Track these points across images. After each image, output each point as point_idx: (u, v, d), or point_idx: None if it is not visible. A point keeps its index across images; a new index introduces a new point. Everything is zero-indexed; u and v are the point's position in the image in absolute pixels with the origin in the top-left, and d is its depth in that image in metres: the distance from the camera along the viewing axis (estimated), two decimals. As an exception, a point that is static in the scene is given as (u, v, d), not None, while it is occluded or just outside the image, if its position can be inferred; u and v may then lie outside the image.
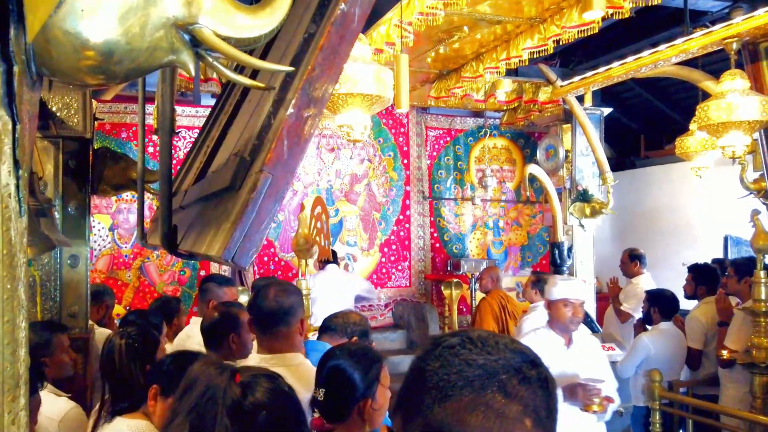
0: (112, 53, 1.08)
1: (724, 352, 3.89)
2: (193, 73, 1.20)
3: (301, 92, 1.16)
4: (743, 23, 3.74)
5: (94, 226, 5.80)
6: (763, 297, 3.62)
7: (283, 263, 6.50)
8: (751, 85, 3.82)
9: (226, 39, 1.14)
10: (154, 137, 5.42)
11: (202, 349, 2.91)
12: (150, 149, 5.71)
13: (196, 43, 1.16)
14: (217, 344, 2.50)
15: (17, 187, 1.06)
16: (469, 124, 7.35)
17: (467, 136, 7.38)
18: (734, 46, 3.91)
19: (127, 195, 5.66)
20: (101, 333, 3.23)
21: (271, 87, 1.29)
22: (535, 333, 3.33)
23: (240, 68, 2.18)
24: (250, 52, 1.90)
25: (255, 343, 2.29)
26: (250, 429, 1.02)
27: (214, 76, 5.49)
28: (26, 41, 1.02)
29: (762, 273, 3.63)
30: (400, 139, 7.10)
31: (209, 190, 1.58)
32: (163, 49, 1.13)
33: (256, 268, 6.26)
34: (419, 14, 3.85)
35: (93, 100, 3.18)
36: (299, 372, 2.03)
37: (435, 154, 7.27)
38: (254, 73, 1.83)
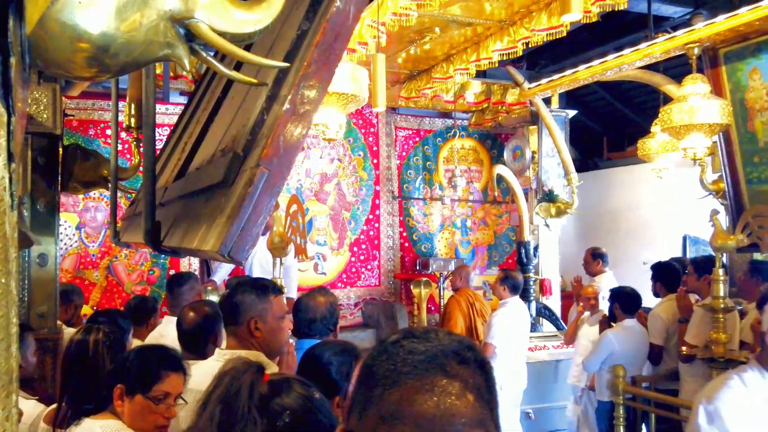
0: (108, 46, 1.08)
1: (684, 348, 4.02)
2: (188, 68, 1.20)
3: (297, 88, 1.18)
4: (704, 29, 3.89)
5: (60, 225, 5.65)
6: (721, 294, 3.75)
7: (254, 262, 6.45)
8: (711, 89, 3.98)
9: (221, 34, 1.15)
10: (123, 134, 5.32)
11: (177, 348, 2.88)
12: (119, 146, 5.59)
13: (191, 38, 1.16)
14: (198, 347, 2.48)
15: (11, 180, 1.04)
16: (438, 124, 7.43)
17: (436, 136, 7.45)
18: (695, 51, 4.07)
19: (94, 193, 5.54)
20: (70, 333, 3.16)
21: (264, 83, 1.30)
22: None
23: (220, 60, 2.17)
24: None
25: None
26: (275, 428, 1.03)
27: (184, 73, 5.42)
28: (23, 33, 1.00)
29: (720, 271, 3.76)
30: (370, 138, 7.12)
31: (196, 185, 1.58)
32: (159, 43, 1.13)
33: (235, 269, 6.20)
34: (393, 15, 3.88)
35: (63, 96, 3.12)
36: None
37: (404, 154, 7.31)
38: (236, 69, 1.83)
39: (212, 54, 1.38)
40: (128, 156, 5.35)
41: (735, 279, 4.46)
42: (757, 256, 4.57)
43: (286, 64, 1.19)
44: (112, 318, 3.28)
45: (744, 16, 3.67)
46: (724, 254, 3.84)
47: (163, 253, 1.81)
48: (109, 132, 5.57)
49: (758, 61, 4.06)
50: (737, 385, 2.19)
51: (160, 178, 2.72)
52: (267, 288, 2.16)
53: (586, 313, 5.05)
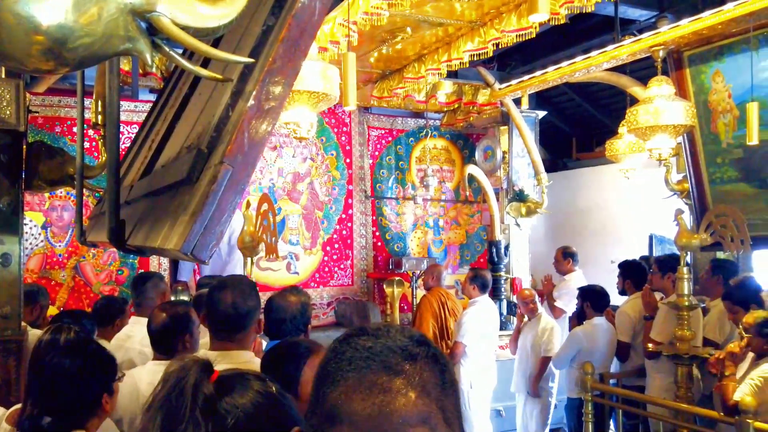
0: (65, 39, 1.06)
1: (650, 345, 4.10)
2: (149, 63, 1.18)
3: (262, 84, 1.17)
4: (668, 32, 3.98)
5: (25, 224, 5.52)
6: (685, 292, 3.83)
7: (223, 262, 6.39)
8: (675, 91, 4.07)
9: (184, 28, 1.13)
10: (90, 132, 5.21)
11: (144, 349, 2.84)
12: (86, 144, 5.48)
13: (153, 32, 1.14)
14: (170, 347, 2.45)
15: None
16: (410, 124, 7.45)
17: (408, 136, 7.47)
18: (660, 53, 4.15)
19: (61, 192, 5.42)
20: (35, 335, 3.08)
21: (228, 79, 1.29)
22: None
23: (187, 57, 2.15)
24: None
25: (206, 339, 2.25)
26: (225, 429, 0.98)
27: (153, 70, 5.34)
28: (-23, 24, 0.98)
29: (685, 269, 3.84)
30: (343, 138, 7.11)
31: (161, 183, 1.56)
32: (119, 36, 1.11)
33: (196, 267, 6.12)
34: (364, 14, 3.88)
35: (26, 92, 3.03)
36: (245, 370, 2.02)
37: (377, 153, 7.32)
38: (204, 65, 1.81)
39: (180, 51, 1.37)
40: (96, 154, 5.25)
41: (698, 277, 4.57)
42: (720, 254, 4.69)
43: (251, 60, 1.18)
44: (77, 318, 3.22)
45: (707, 19, 3.76)
46: (689, 253, 3.92)
47: (127, 253, 1.78)
48: (76, 129, 5.46)
49: (721, 64, 4.17)
50: None
51: (127, 177, 2.68)
52: (255, 289, 2.19)
53: (525, 319, 5.06)
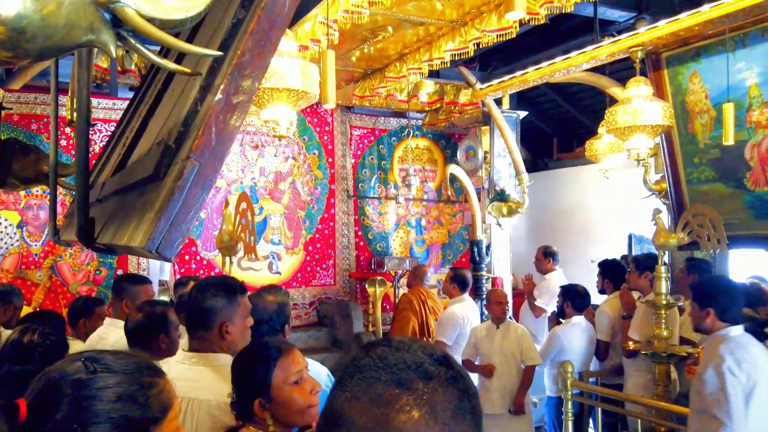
0: (24, 29, 1.03)
1: (629, 344, 4.13)
2: (113, 55, 1.15)
3: (230, 78, 1.15)
4: (646, 33, 4.01)
5: (0, 223, 5.43)
6: (663, 291, 3.86)
7: (205, 262, 6.33)
8: (653, 92, 4.10)
9: (150, 20, 1.11)
10: (68, 129, 5.15)
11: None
12: (63, 142, 5.41)
13: (117, 23, 1.12)
14: (145, 345, 2.41)
15: None
16: (393, 124, 7.44)
17: (391, 136, 7.46)
18: (639, 54, 4.18)
19: (37, 190, 5.34)
20: (7, 336, 3.02)
21: (197, 73, 1.26)
22: None
23: (163, 53, 2.11)
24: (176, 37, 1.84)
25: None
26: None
27: (133, 67, 5.28)
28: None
29: (662, 268, 3.87)
30: (325, 137, 7.08)
31: (130, 180, 1.53)
32: (81, 27, 1.08)
33: (176, 267, 6.06)
34: (344, 12, 3.86)
35: (0, 89, 2.98)
36: (223, 372, 1.96)
37: (359, 153, 7.31)
38: (179, 61, 1.78)
39: (158, 48, 1.34)
40: (72, 152, 5.17)
41: (673, 276, 4.61)
42: (698, 253, 4.73)
43: (219, 53, 1.16)
44: (47, 319, 3.16)
45: (684, 20, 3.80)
46: (666, 252, 3.96)
47: (96, 251, 1.75)
48: (52, 127, 5.38)
49: (698, 65, 4.22)
50: None
51: (101, 174, 2.64)
52: (236, 289, 2.09)
53: (486, 326, 4.53)
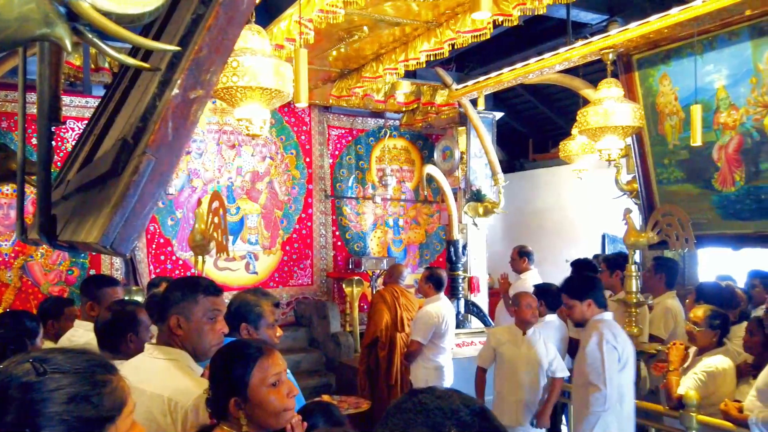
0: (-25, 22, 1.02)
1: (601, 341, 4.18)
2: (69, 49, 1.14)
3: (188, 73, 1.15)
4: (617, 35, 4.08)
5: (-35, 222, 5.34)
6: (633, 289, 3.93)
7: (180, 262, 6.28)
8: (624, 93, 4.16)
9: (107, 14, 1.10)
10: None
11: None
12: (33, 140, 5.32)
13: (74, 17, 1.11)
14: (114, 345, 2.39)
15: None
16: (370, 124, 7.46)
17: (368, 136, 7.47)
18: (610, 56, 4.25)
19: (7, 189, 5.26)
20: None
21: (156, 68, 1.26)
22: None
23: (133, 50, 2.09)
24: (145, 34, 1.84)
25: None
26: None
27: (106, 65, 5.22)
28: None
29: (633, 267, 3.94)
30: (303, 137, 7.07)
31: (91, 176, 1.52)
32: (36, 21, 1.07)
33: (152, 267, 6.01)
34: (320, 11, 3.86)
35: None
36: (168, 365, 1.94)
37: (337, 153, 7.31)
38: (146, 58, 1.77)
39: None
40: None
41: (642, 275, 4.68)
42: (667, 252, 4.81)
43: (177, 48, 1.16)
44: (19, 319, 3.11)
45: (654, 23, 3.87)
46: (637, 251, 4.02)
47: (59, 249, 1.73)
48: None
49: (668, 67, 4.29)
50: None
51: (70, 171, 2.61)
52: (197, 286, 2.05)
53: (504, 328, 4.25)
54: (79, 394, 1.02)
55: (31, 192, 5.25)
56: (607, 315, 3.42)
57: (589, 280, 3.62)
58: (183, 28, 1.31)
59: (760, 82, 3.80)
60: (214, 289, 2.06)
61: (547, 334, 4.58)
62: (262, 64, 3.29)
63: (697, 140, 3.71)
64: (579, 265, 5.03)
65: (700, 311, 3.42)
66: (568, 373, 3.93)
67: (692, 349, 3.49)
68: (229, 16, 1.17)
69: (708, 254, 5.60)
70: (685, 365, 3.45)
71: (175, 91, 1.14)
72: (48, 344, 3.09)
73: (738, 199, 4.07)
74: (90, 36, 1.16)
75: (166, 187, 1.40)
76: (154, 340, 2.27)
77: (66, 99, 5.45)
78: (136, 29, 1.34)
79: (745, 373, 3.49)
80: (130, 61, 1.20)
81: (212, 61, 1.17)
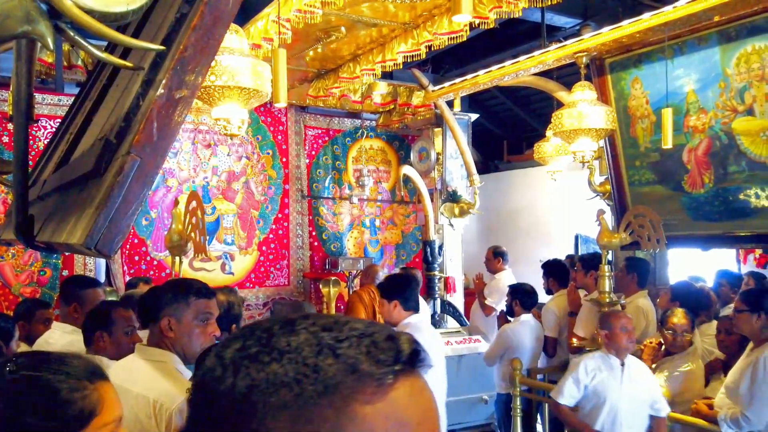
0: (-43, 19, 1.01)
1: (574, 340, 4.26)
2: (51, 47, 1.13)
3: (173, 73, 1.15)
4: (590, 39, 4.15)
5: (-67, 222, 5.18)
6: (607, 289, 4.00)
7: (155, 263, 6.20)
8: (598, 96, 4.24)
9: (89, 12, 1.10)
10: (10, 126, 4.95)
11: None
12: (5, 138, 5.21)
13: (55, 15, 1.10)
14: (86, 344, 2.38)
15: None
16: (347, 124, 7.46)
17: (345, 136, 7.47)
18: (584, 60, 4.32)
19: (-23, 188, 5.13)
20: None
21: (140, 67, 1.25)
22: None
23: (109, 47, 2.07)
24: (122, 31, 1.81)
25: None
26: None
27: (79, 63, 5.13)
28: None
29: (606, 267, 4.01)
30: (279, 137, 7.04)
31: (70, 176, 1.50)
32: (17, 18, 1.06)
33: (126, 268, 5.92)
34: (297, 11, 3.86)
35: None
36: (157, 367, 1.94)
37: (314, 153, 7.29)
38: (124, 57, 1.75)
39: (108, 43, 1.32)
40: (12, 148, 5.00)
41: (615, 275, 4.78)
42: (639, 252, 4.92)
43: (161, 47, 1.16)
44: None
45: (626, 28, 3.95)
46: (610, 251, 4.09)
47: (36, 249, 1.71)
48: (-8, 123, 5.18)
49: (639, 71, 4.39)
50: None
51: (44, 171, 2.57)
52: (189, 289, 2.06)
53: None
54: (43, 406, 1.01)
55: (1, 191, 5.14)
56: (415, 318, 3.28)
57: (401, 281, 3.45)
58: (166, 27, 1.30)
59: (728, 86, 3.91)
60: (206, 291, 2.06)
61: (522, 334, 4.65)
62: (241, 64, 3.28)
63: (668, 143, 3.80)
64: (550, 266, 5.11)
65: (682, 318, 3.47)
66: (669, 409, 3.26)
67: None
68: (215, 16, 1.17)
69: (677, 254, 5.73)
70: (653, 366, 3.52)
71: (160, 90, 1.13)
72: (23, 347, 3.04)
73: (707, 200, 4.18)
74: (72, 34, 1.16)
75: (151, 187, 1.39)
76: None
77: (38, 97, 5.34)
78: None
79: (716, 370, 3.59)
80: (114, 59, 1.19)
81: (198, 62, 1.17)
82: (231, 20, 1.22)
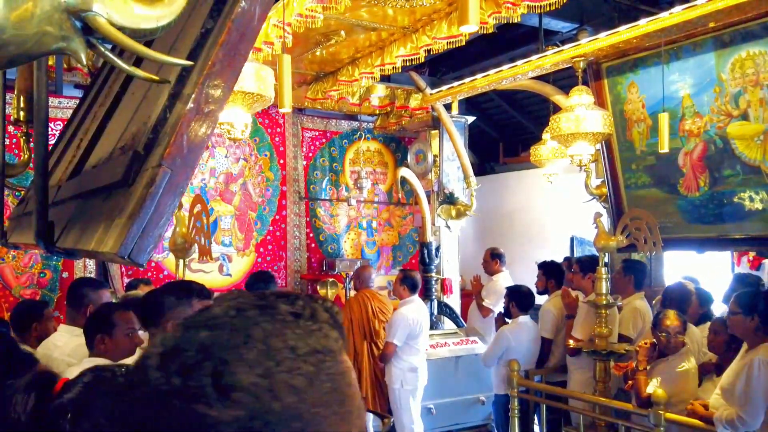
0: (-4, 38, 1.04)
1: (571, 342, 4.30)
2: (83, 62, 1.16)
3: (201, 87, 1.18)
4: (587, 44, 4.21)
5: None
6: (604, 291, 4.04)
7: (153, 264, 6.21)
8: (594, 101, 4.30)
9: (120, 28, 1.13)
10: (11, 128, 4.95)
11: (72, 361, 2.73)
12: (6, 141, 5.19)
13: (88, 31, 1.13)
14: (88, 345, 2.40)
15: None
16: (344, 126, 7.49)
17: (342, 138, 7.51)
18: (581, 64, 4.38)
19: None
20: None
21: (166, 81, 1.29)
22: None
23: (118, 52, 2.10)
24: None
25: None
26: None
27: (79, 65, 5.14)
28: None
29: (603, 270, 4.06)
30: (277, 139, 7.07)
31: (93, 185, 1.53)
32: (53, 35, 1.09)
33: (124, 269, 5.93)
34: (298, 15, 3.90)
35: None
36: None
37: (311, 155, 7.32)
38: (136, 64, 1.78)
39: (110, 47, 1.35)
40: (17, 152, 5.00)
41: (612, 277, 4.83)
42: (635, 255, 4.98)
43: (190, 63, 1.20)
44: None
45: (623, 33, 4.01)
46: (607, 254, 4.15)
47: (56, 255, 1.74)
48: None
49: (636, 75, 4.45)
50: None
51: (52, 176, 2.59)
52: (191, 291, 2.08)
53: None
54: None
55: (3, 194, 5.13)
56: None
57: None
58: (191, 41, 1.34)
59: (722, 91, 3.98)
60: (207, 292, 2.09)
61: (519, 335, 4.70)
62: (245, 69, 3.31)
63: (664, 147, 3.86)
64: (547, 267, 5.16)
65: (674, 320, 3.52)
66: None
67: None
68: (241, 32, 1.21)
69: (672, 256, 5.81)
70: (648, 367, 3.58)
71: (190, 105, 1.17)
72: (26, 348, 3.05)
73: (702, 203, 4.24)
74: (103, 49, 1.19)
75: (180, 198, 1.42)
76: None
77: (36, 99, 5.34)
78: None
79: (709, 371, 3.65)
80: (141, 74, 1.22)
81: (225, 77, 1.21)
82: (256, 36, 1.26)
